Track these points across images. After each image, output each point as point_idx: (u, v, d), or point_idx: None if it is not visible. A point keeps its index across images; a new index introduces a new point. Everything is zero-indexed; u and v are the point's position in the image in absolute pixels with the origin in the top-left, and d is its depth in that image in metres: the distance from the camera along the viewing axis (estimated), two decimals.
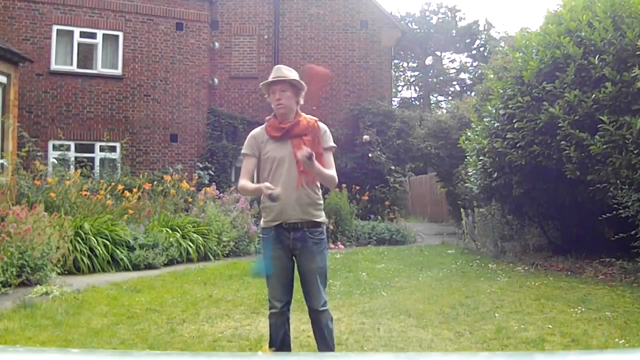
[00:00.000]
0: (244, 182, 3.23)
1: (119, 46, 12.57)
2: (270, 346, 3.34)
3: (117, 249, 7.61)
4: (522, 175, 7.91)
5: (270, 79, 3.25)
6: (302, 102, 3.33)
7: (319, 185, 3.31)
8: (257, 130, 3.37)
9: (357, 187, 12.45)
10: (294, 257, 3.28)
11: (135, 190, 9.42)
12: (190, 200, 10.19)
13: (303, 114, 3.32)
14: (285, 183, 3.17)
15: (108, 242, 7.53)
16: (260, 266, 3.39)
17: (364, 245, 11.28)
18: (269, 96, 3.30)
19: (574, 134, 6.83)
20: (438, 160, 14.09)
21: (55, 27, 12.08)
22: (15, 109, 9.83)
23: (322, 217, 3.30)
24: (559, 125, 6.99)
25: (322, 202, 3.34)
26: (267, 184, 3.08)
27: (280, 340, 3.28)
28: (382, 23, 14.48)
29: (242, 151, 3.34)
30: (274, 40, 13.99)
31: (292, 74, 3.27)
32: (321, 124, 3.33)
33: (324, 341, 3.27)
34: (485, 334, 4.44)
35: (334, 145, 3.34)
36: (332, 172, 3.23)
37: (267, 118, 3.35)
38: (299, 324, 4.41)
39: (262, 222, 3.33)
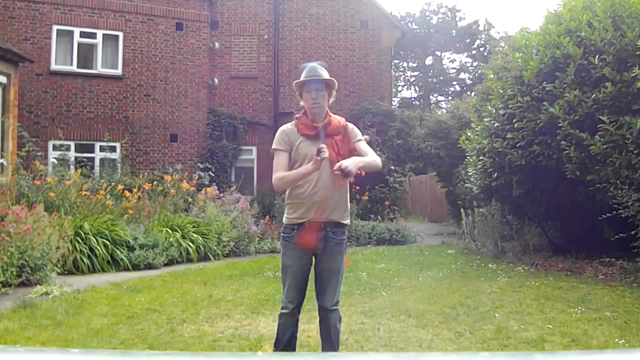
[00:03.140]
0: (282, 173, 3.16)
1: (119, 46, 12.56)
2: (275, 345, 3.33)
3: (117, 249, 7.61)
4: (522, 175, 7.91)
5: (307, 78, 3.20)
6: (332, 100, 3.32)
7: (348, 188, 3.29)
8: (287, 126, 3.31)
9: (357, 187, 12.45)
10: (313, 257, 3.25)
11: (135, 190, 9.42)
12: (190, 200, 10.19)
13: (332, 114, 3.32)
14: (316, 182, 3.14)
15: (108, 242, 7.53)
16: None
17: (364, 245, 11.27)
18: (301, 95, 3.26)
19: (574, 134, 6.83)
20: (438, 160, 14.09)
21: (55, 27, 12.07)
22: (15, 109, 9.84)
23: (347, 219, 3.28)
24: (559, 125, 6.99)
25: (349, 205, 3.33)
26: (323, 147, 2.97)
27: (286, 341, 3.27)
28: (382, 23, 14.47)
29: (274, 147, 3.25)
30: (274, 40, 13.99)
31: (326, 73, 3.25)
32: (349, 123, 3.34)
33: (329, 341, 3.26)
34: (485, 334, 4.44)
35: (363, 137, 3.32)
36: (370, 157, 3.17)
37: (297, 116, 3.31)
38: (299, 323, 4.39)
39: (284, 218, 3.29)
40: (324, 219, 3.16)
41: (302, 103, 3.29)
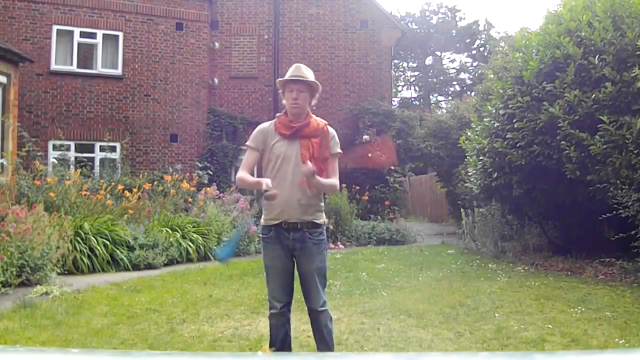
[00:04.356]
0: (244, 174, 3.23)
1: (119, 46, 12.56)
2: (270, 346, 3.34)
3: (117, 249, 7.61)
4: (522, 175, 7.91)
5: (289, 77, 3.21)
6: (314, 103, 3.32)
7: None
8: (265, 125, 3.32)
9: (357, 187, 12.46)
10: (294, 258, 3.27)
11: (135, 190, 9.42)
12: (190, 200, 10.19)
13: (313, 116, 3.31)
14: (290, 182, 3.15)
15: (108, 242, 7.53)
16: (225, 251, 3.37)
17: (364, 245, 11.27)
18: (283, 93, 3.26)
19: (574, 134, 6.84)
20: (438, 160, 14.09)
21: (55, 27, 12.07)
22: (15, 109, 9.83)
23: (322, 219, 3.28)
24: (559, 125, 6.99)
25: (323, 204, 3.34)
26: (268, 181, 3.04)
27: (280, 341, 3.28)
28: (382, 23, 14.47)
29: (247, 143, 3.32)
30: (274, 40, 13.99)
31: (311, 74, 3.25)
32: (330, 129, 3.31)
33: (323, 341, 3.27)
34: (485, 334, 4.44)
35: (340, 151, 3.34)
36: (332, 180, 3.24)
37: (278, 114, 3.33)
38: (299, 324, 4.41)
39: (262, 219, 3.32)
40: (297, 219, 3.17)
41: (284, 102, 3.29)
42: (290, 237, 3.19)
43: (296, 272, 3.31)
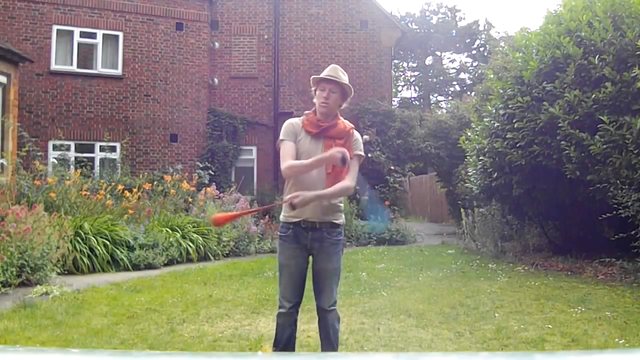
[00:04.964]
0: (292, 161, 3.12)
1: (119, 46, 12.56)
2: (274, 345, 3.33)
3: (117, 249, 7.61)
4: (522, 175, 7.91)
5: (324, 75, 3.22)
6: (344, 106, 3.32)
7: None
8: (294, 120, 3.32)
9: (357, 187, 12.45)
10: (309, 257, 3.26)
11: (135, 190, 9.42)
12: (190, 200, 10.19)
13: (341, 118, 3.32)
14: (312, 181, 3.14)
15: (108, 242, 7.53)
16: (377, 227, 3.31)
17: (364, 245, 11.27)
18: (315, 91, 3.27)
19: (574, 134, 6.84)
20: (438, 160, 14.09)
21: (55, 27, 12.07)
22: (15, 109, 9.83)
23: (341, 219, 3.27)
24: (559, 125, 6.99)
25: (342, 205, 3.33)
26: (341, 151, 2.95)
27: (285, 341, 3.27)
28: (382, 23, 14.47)
29: (280, 138, 3.25)
30: (274, 40, 13.99)
31: (346, 78, 3.26)
32: (356, 133, 3.31)
33: (328, 341, 3.26)
34: (485, 334, 4.44)
35: (362, 154, 3.31)
36: (345, 182, 3.16)
37: (307, 112, 3.33)
38: (299, 323, 4.38)
39: (281, 216, 3.29)
40: (316, 219, 3.16)
41: (314, 100, 3.30)
42: (308, 237, 3.18)
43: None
